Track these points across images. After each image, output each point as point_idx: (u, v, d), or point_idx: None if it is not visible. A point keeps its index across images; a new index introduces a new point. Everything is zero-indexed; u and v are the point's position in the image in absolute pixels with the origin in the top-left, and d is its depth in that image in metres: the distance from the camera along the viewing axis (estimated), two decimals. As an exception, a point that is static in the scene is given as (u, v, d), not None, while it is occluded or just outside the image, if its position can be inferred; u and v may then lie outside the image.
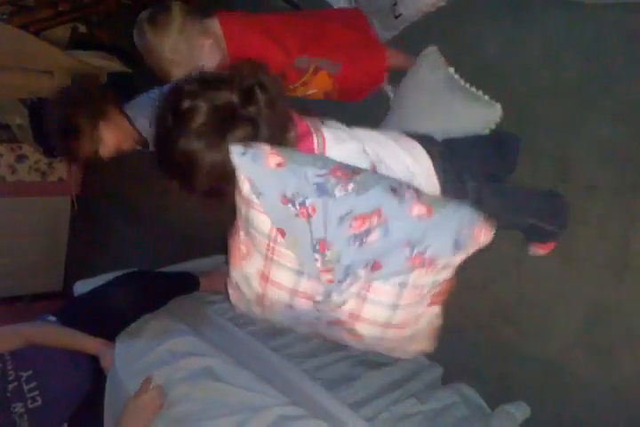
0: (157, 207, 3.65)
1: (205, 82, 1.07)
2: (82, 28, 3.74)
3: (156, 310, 2.16)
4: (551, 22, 1.70)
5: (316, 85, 1.89)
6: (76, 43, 3.57)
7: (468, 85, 1.87)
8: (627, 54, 1.56)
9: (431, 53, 1.94)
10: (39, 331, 2.04)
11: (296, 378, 1.83)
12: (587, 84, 1.64)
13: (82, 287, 2.38)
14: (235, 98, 1.04)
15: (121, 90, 3.42)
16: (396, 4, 1.99)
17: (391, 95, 2.04)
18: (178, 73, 1.74)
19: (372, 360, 1.98)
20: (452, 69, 1.87)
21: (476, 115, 1.77)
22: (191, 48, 1.68)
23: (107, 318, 2.08)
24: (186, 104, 1.04)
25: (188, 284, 2.32)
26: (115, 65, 3.09)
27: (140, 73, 3.41)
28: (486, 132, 1.81)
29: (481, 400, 1.90)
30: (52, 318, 2.13)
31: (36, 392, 1.89)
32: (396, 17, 1.94)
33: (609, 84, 1.60)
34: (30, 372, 1.91)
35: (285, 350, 2.01)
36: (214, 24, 1.74)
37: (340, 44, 1.84)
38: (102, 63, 3.01)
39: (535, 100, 1.74)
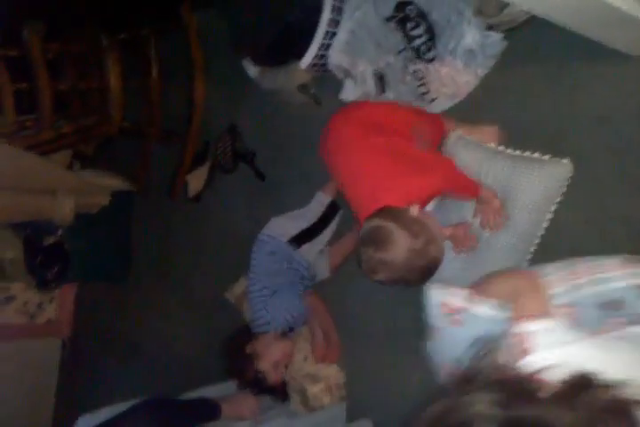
0: (155, 340, 3.38)
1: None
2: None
3: (175, 442, 1.84)
4: (599, 77, 1.65)
5: None
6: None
7: (519, 152, 1.75)
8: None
9: (457, 138, 1.84)
10: None
11: None
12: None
13: (87, 422, 2.07)
14: None
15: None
16: (426, 93, 1.94)
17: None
18: None
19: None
20: (492, 144, 1.78)
21: (546, 177, 1.64)
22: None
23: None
24: None
25: (209, 411, 2.01)
26: (119, 184, 2.99)
27: (142, 192, 3.33)
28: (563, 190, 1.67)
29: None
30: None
31: None
32: (432, 100, 1.89)
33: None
34: None
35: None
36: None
37: None
38: (106, 182, 2.91)
39: (595, 160, 1.63)
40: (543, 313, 1.02)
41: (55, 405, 4.08)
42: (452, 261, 1.75)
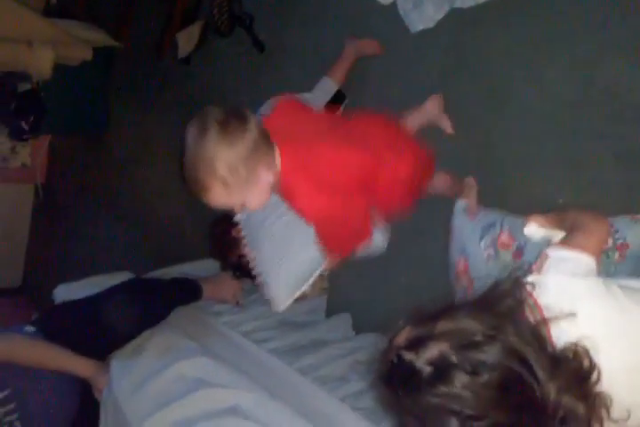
0: (135, 200, 3.30)
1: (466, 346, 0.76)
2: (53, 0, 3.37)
3: (157, 324, 1.86)
4: None
5: None
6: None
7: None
8: None
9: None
10: (18, 347, 1.73)
11: (335, 410, 1.56)
12: None
13: (64, 292, 2.07)
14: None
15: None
16: None
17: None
18: (217, 197, 1.30)
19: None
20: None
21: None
22: (250, 176, 1.30)
23: (101, 335, 1.77)
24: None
25: (191, 293, 2.01)
26: (102, 39, 2.72)
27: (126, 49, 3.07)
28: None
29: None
30: (31, 329, 1.81)
31: (14, 416, 1.65)
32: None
33: None
34: (7, 392, 1.65)
35: (314, 372, 1.74)
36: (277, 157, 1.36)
37: None
38: (89, 36, 2.63)
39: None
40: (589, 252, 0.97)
41: (26, 253, 4.10)
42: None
